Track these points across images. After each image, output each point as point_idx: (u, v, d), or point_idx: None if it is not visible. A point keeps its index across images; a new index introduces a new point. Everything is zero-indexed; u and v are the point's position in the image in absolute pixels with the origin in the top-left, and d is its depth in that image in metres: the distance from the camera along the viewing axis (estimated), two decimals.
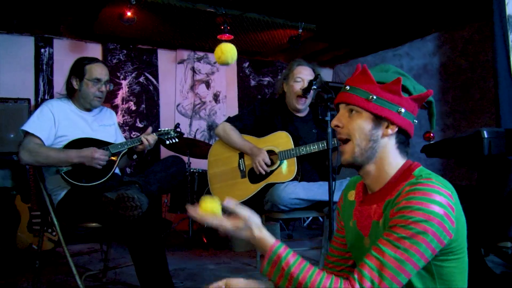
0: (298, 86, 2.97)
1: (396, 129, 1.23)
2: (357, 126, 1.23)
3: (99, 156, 2.47)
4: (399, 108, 1.20)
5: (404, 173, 1.22)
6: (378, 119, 1.22)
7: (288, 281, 1.10)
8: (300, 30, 4.81)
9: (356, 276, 1.08)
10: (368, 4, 4.34)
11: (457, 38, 4.75)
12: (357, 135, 1.23)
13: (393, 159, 1.25)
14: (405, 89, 1.23)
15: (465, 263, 1.19)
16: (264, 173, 2.88)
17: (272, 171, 2.90)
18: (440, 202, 1.07)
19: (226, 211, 1.21)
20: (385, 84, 1.22)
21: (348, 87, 1.27)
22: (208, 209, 1.20)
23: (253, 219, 1.19)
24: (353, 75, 1.29)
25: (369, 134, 1.23)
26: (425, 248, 1.06)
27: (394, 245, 1.07)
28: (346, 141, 1.27)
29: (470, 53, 4.60)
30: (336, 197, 2.05)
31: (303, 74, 3.00)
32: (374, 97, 1.21)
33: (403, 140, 1.26)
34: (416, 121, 1.26)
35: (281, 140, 2.94)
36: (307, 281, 1.08)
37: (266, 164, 2.87)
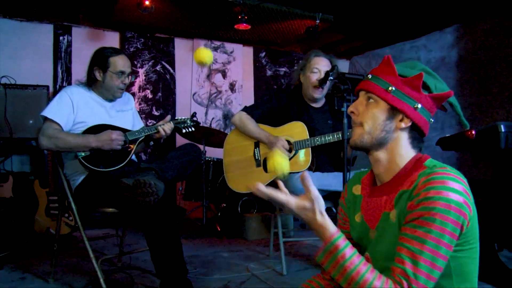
0: (315, 77, 2.97)
1: (410, 123, 1.24)
2: (372, 115, 1.25)
3: (116, 136, 2.52)
4: (416, 104, 1.22)
5: (415, 164, 1.23)
6: (393, 111, 1.23)
7: (341, 274, 1.11)
8: (318, 21, 4.79)
9: (395, 279, 1.08)
10: None
11: (477, 30, 4.68)
12: (370, 123, 1.25)
13: (404, 152, 1.26)
14: (425, 86, 1.24)
15: (477, 252, 1.20)
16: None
17: None
18: (458, 190, 1.08)
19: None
20: (407, 78, 1.23)
21: (370, 76, 1.29)
22: (280, 165, 1.17)
23: (320, 201, 1.16)
24: (379, 65, 1.31)
25: (383, 124, 1.24)
26: (450, 239, 1.07)
27: (421, 242, 1.07)
28: (359, 125, 1.29)
29: (490, 46, 4.53)
30: None
31: (320, 65, 2.99)
32: (393, 88, 1.22)
33: (416, 136, 1.27)
34: (433, 120, 1.27)
35: (297, 130, 2.94)
36: (360, 278, 1.08)
37: (286, 149, 2.88)
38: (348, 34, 5.66)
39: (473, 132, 1.39)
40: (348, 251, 1.11)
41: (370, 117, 1.25)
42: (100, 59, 2.66)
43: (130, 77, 2.74)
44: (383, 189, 1.27)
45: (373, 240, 1.27)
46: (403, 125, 1.24)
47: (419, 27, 5.20)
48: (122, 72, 2.67)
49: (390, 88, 1.23)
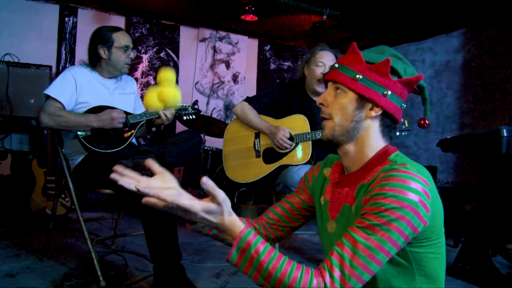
0: (319, 71, 2.96)
1: (381, 111, 1.19)
2: (340, 106, 1.21)
3: (117, 115, 2.51)
4: (385, 90, 1.17)
5: (381, 156, 1.19)
6: (362, 100, 1.19)
7: (257, 270, 1.03)
8: (325, 16, 4.78)
9: (326, 264, 1.04)
10: None
11: (484, 36, 4.68)
12: (339, 115, 1.22)
13: (374, 142, 1.22)
14: (394, 72, 1.19)
15: (442, 248, 1.17)
16: (289, 147, 2.88)
17: (286, 153, 2.91)
18: (415, 189, 1.04)
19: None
20: (374, 65, 1.18)
21: (337, 65, 1.24)
22: (165, 77, 1.04)
23: (228, 203, 1.05)
24: (346, 53, 1.25)
25: (352, 114, 1.20)
26: (398, 236, 1.03)
27: (366, 233, 1.03)
28: (328, 118, 1.25)
29: (496, 52, 4.53)
30: None
31: (325, 59, 2.98)
32: (361, 76, 1.17)
33: (388, 123, 1.23)
34: (405, 105, 1.23)
35: (298, 123, 2.94)
36: (277, 270, 1.02)
37: (287, 139, 2.86)
38: (353, 32, 5.65)
39: (427, 121, 1.37)
40: (261, 245, 1.04)
41: (339, 109, 1.21)
42: (103, 37, 2.67)
43: (133, 51, 2.76)
44: (348, 180, 1.24)
45: (332, 233, 1.25)
46: (373, 113, 1.19)
47: (425, 29, 5.19)
48: (127, 47, 2.69)
49: (357, 77, 1.18)
